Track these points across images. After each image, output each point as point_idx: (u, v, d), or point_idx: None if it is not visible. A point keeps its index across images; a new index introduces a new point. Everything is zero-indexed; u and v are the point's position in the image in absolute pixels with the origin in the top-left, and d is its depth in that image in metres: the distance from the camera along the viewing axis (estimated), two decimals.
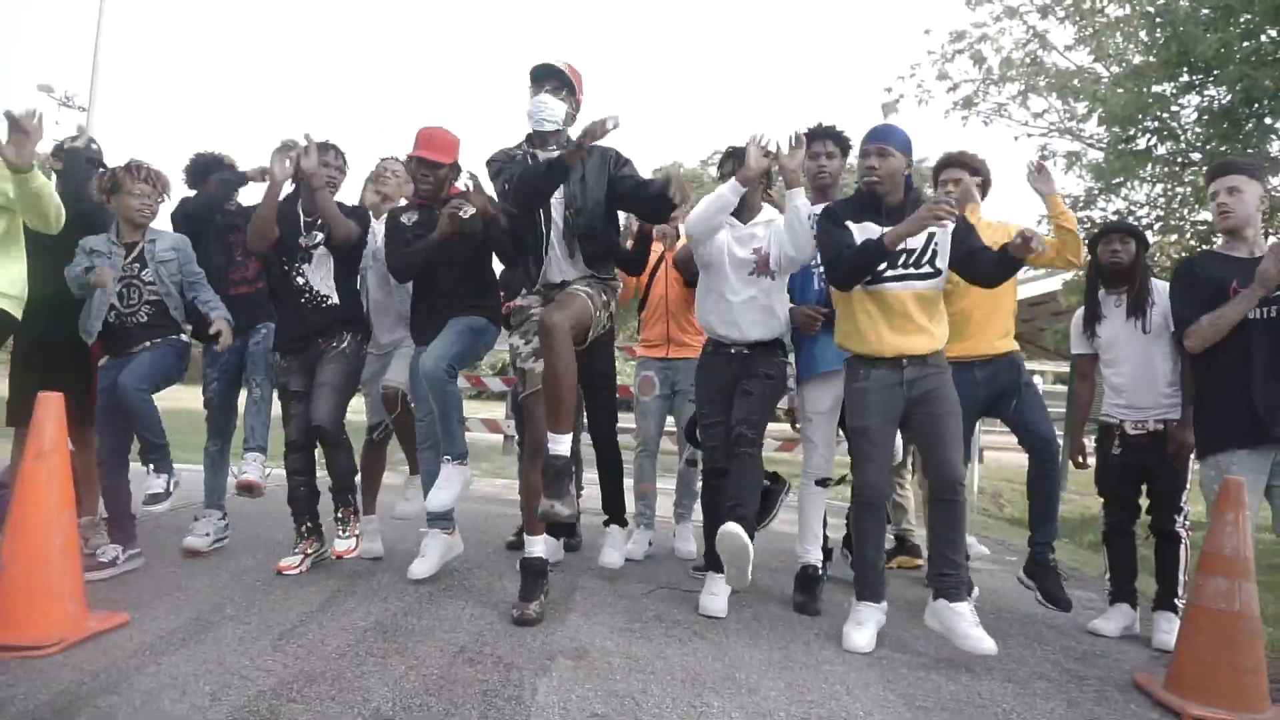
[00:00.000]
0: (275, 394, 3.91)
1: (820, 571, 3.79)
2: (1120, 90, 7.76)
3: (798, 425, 4.05)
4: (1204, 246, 9.26)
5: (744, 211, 3.59)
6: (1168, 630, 3.41)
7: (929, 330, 3.23)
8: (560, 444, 3.14)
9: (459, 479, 3.63)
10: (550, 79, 3.36)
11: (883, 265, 3.18)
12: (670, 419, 4.61)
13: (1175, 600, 3.50)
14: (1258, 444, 3.11)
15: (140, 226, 3.62)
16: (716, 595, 3.51)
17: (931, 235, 3.18)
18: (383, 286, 4.04)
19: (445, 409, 3.61)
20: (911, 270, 3.21)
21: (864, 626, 3.19)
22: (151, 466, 3.56)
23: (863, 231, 3.23)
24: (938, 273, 3.21)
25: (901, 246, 3.16)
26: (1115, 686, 2.96)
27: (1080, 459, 3.95)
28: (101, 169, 3.81)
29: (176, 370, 3.71)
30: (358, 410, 4.32)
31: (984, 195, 3.92)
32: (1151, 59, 7.99)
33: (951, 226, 3.16)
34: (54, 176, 3.82)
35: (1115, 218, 9.92)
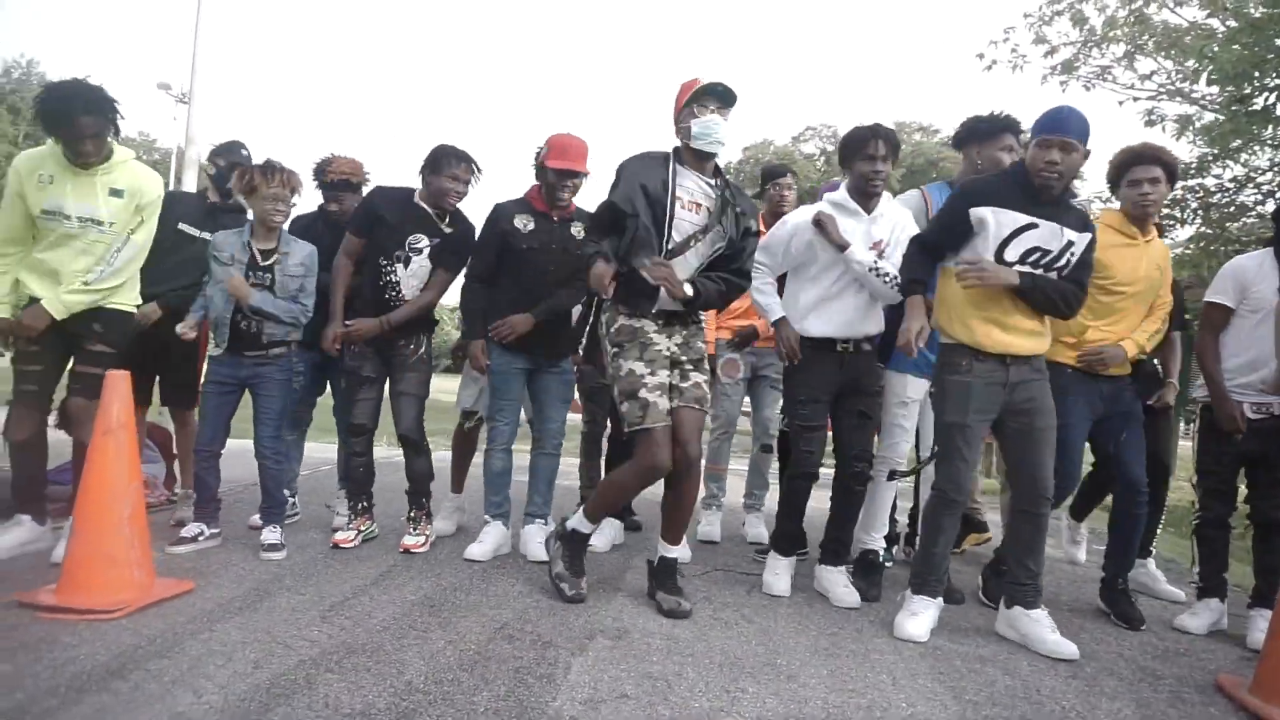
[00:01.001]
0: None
1: (881, 559, 3.66)
2: (1235, 46, 7.16)
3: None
4: None
5: (865, 199, 3.42)
6: (1264, 629, 3.14)
7: (1040, 332, 3.02)
8: (676, 551, 3.26)
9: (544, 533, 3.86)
10: (728, 102, 3.14)
11: (1014, 257, 2.96)
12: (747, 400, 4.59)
13: (1277, 597, 3.22)
14: None
15: (274, 229, 3.58)
16: (780, 575, 3.49)
17: (1070, 243, 2.95)
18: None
19: (554, 473, 3.91)
20: (1040, 272, 2.97)
21: (919, 616, 3.05)
22: (260, 519, 3.79)
23: (1002, 218, 2.95)
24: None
25: (1035, 244, 2.95)
26: (1195, 688, 2.75)
27: (1240, 422, 3.37)
28: (240, 169, 3.73)
29: (294, 390, 3.79)
30: (448, 391, 4.41)
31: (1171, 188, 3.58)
32: (1272, 10, 7.33)
33: (1087, 239, 2.96)
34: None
35: (1232, 186, 9.23)
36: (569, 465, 4.67)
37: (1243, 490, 3.51)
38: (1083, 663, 2.89)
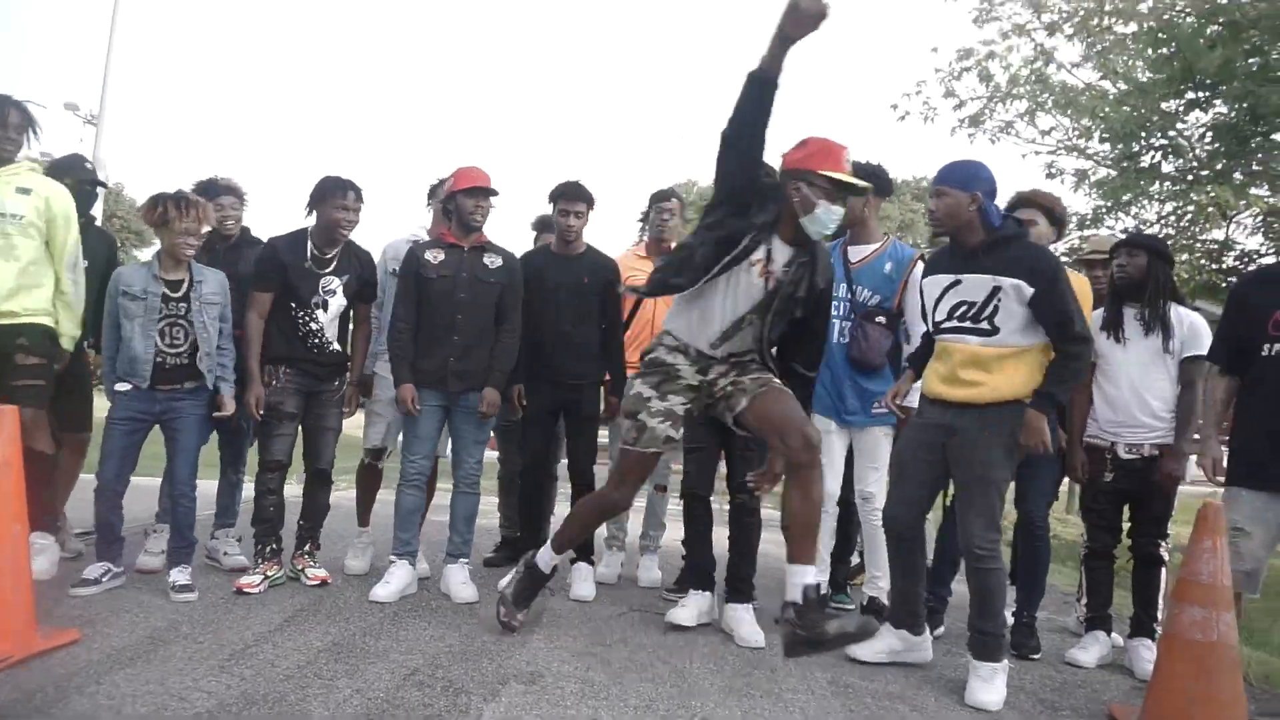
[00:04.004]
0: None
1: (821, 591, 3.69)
2: (1125, 107, 7.68)
3: None
4: (1214, 266, 9.12)
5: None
6: (1149, 659, 3.29)
7: (978, 383, 2.97)
8: (812, 575, 2.90)
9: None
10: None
11: (942, 316, 3.07)
12: None
13: (1155, 626, 3.40)
14: (1261, 487, 3.03)
15: (182, 262, 3.49)
16: (687, 605, 3.51)
17: (996, 289, 2.93)
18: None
19: (473, 512, 3.86)
20: (968, 324, 3.00)
21: (876, 641, 3.13)
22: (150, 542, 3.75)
23: (931, 285, 3.12)
24: (994, 330, 2.95)
25: (959, 299, 3.01)
26: (1089, 717, 2.85)
27: (1080, 471, 3.66)
28: (153, 200, 3.54)
29: (208, 424, 3.70)
30: (355, 426, 4.32)
31: (1059, 236, 3.76)
32: (1156, 76, 7.90)
33: (1018, 284, 2.88)
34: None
35: (1123, 235, 9.82)
36: (489, 504, 4.59)
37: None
38: None
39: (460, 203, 3.72)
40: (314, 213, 3.77)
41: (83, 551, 3.94)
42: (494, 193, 3.76)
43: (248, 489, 4.25)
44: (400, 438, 4.04)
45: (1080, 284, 3.48)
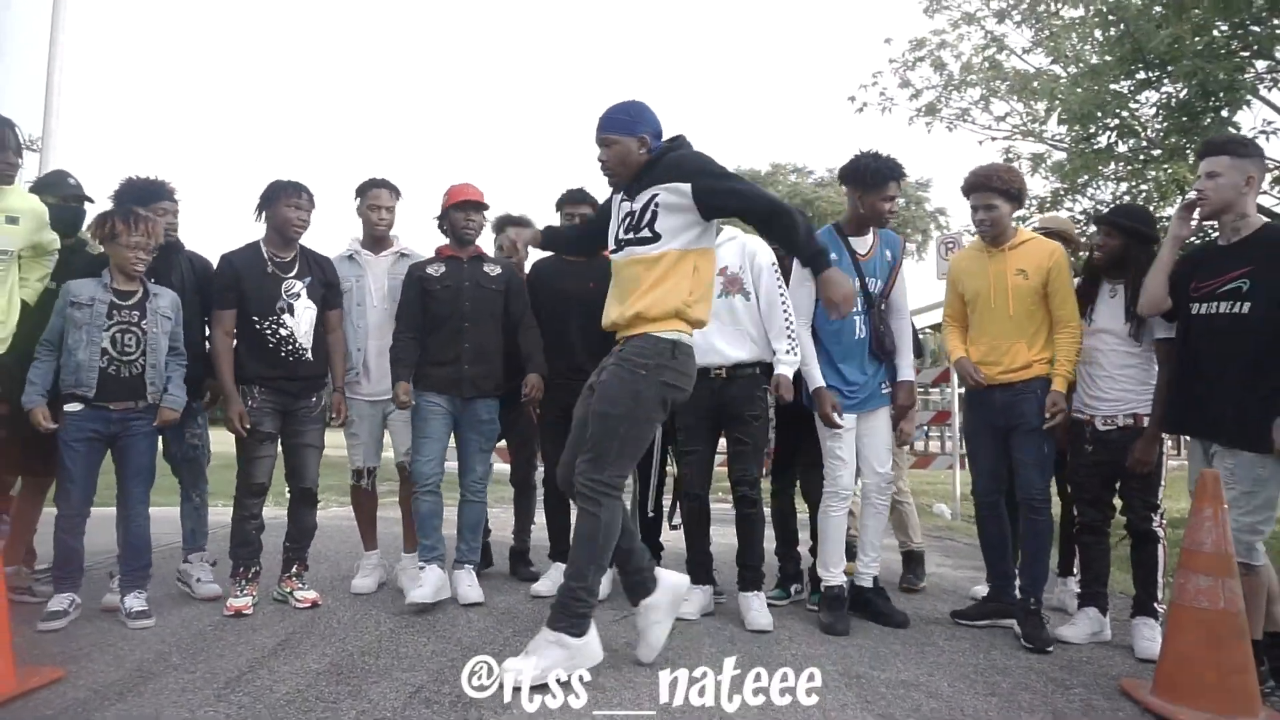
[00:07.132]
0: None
1: (846, 591, 3.63)
2: (1079, 89, 7.80)
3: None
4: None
5: None
6: (1150, 638, 3.28)
7: (622, 304, 2.91)
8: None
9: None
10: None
11: (615, 233, 2.99)
12: None
13: (1155, 605, 3.39)
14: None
15: (134, 277, 3.40)
16: (688, 600, 3.43)
17: (653, 196, 2.85)
18: (388, 331, 3.94)
19: (479, 519, 3.89)
20: (631, 235, 2.91)
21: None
22: (116, 582, 3.50)
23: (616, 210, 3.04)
24: (656, 237, 2.85)
25: (628, 210, 2.92)
26: (1102, 694, 2.86)
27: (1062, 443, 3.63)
28: (101, 216, 3.45)
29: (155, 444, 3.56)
30: (342, 446, 4.21)
31: (1019, 206, 3.65)
32: (1108, 58, 8.05)
33: (686, 188, 2.79)
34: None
35: (1082, 217, 10.00)
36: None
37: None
38: (999, 679, 2.96)
39: (452, 218, 3.85)
40: (264, 216, 3.71)
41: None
42: (485, 206, 3.88)
43: (213, 512, 4.14)
44: (397, 451, 4.10)
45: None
